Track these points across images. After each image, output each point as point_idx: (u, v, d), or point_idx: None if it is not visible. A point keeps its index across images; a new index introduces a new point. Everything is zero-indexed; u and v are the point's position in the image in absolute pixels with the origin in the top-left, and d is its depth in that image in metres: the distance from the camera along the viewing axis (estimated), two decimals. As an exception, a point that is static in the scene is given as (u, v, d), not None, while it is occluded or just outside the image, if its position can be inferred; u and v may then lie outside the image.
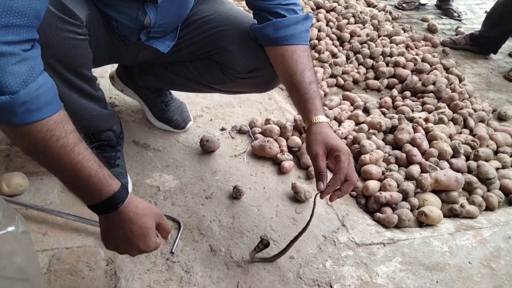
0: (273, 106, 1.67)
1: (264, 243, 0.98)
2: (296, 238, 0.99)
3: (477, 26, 2.81)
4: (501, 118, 1.92)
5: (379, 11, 2.79)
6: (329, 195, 0.90)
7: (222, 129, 1.49)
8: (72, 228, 1.06)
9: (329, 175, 0.92)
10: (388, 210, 1.26)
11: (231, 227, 1.13)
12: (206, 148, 1.35)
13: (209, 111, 1.58)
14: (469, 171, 1.49)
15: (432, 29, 2.80)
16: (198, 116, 1.54)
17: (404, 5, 3.11)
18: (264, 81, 1.14)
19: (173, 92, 1.44)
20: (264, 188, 1.27)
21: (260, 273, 1.02)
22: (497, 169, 1.50)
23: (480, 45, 2.52)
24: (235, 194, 1.21)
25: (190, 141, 1.41)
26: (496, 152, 1.63)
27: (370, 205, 1.30)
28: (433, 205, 1.27)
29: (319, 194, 0.91)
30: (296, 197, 1.23)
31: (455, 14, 3.10)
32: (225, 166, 1.33)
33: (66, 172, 0.71)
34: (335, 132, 1.49)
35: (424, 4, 3.25)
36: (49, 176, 1.18)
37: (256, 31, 1.03)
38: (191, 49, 1.13)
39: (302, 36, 1.00)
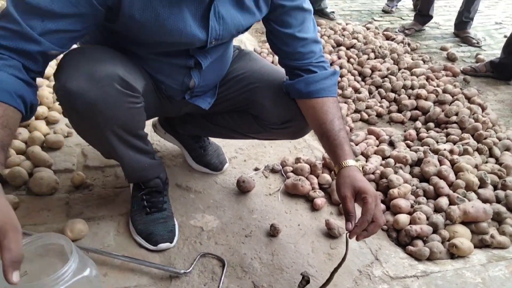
0: (302, 144, 1.77)
1: (306, 280, 1.06)
2: (333, 274, 1.06)
3: (497, 52, 2.87)
4: (527, 145, 1.95)
5: (397, 43, 2.90)
6: (356, 235, 0.98)
7: (256, 169, 1.60)
8: (128, 269, 1.17)
9: (358, 212, 1.00)
10: (419, 243, 1.32)
11: (271, 263, 1.22)
12: (242, 189, 1.46)
13: (242, 152, 1.69)
14: (498, 200, 1.53)
15: (451, 58, 2.88)
16: (233, 157, 1.65)
17: (406, 31, 3.22)
18: (296, 130, 1.25)
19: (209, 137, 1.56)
20: (299, 225, 1.36)
21: (301, 307, 1.09)
22: (526, 197, 1.53)
23: (501, 72, 2.57)
24: (272, 232, 1.30)
25: (227, 182, 1.52)
26: (524, 180, 1.66)
27: (401, 239, 1.36)
28: (463, 237, 1.32)
29: (348, 234, 0.98)
30: (330, 233, 1.31)
31: (474, 41, 3.16)
32: (261, 205, 1.43)
33: None
34: (362, 168, 1.58)
35: (423, 29, 3.32)
36: (104, 221, 1.30)
37: (288, 87, 1.15)
38: (228, 104, 1.26)
39: (331, 89, 1.11)
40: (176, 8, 0.92)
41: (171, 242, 1.23)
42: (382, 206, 1.45)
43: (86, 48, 0.96)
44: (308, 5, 1.10)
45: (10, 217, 0.68)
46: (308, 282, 1.07)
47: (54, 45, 0.83)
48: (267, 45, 2.67)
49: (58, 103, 0.96)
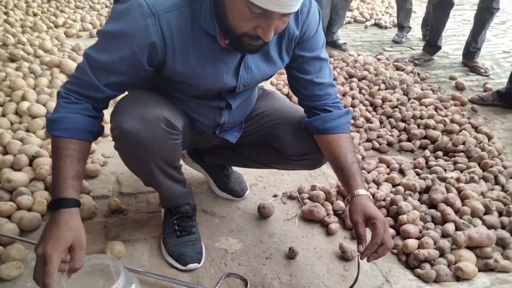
0: (317, 172, 1.90)
1: None
2: (347, 293, 1.18)
3: (505, 80, 2.96)
4: (532, 172, 2.04)
5: (407, 73, 3.04)
6: (366, 257, 1.10)
7: (275, 196, 1.73)
8: (162, 286, 1.30)
9: (369, 236, 1.12)
10: (427, 266, 1.42)
11: (290, 284, 1.34)
12: (263, 214, 1.59)
13: (262, 180, 1.83)
14: (503, 226, 1.62)
15: (460, 87, 3.00)
16: (253, 184, 1.80)
17: (416, 61, 3.36)
18: (313, 162, 1.39)
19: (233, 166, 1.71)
20: (315, 248, 1.48)
21: (318, 324, 1.21)
22: (530, 224, 1.62)
23: (508, 101, 2.67)
24: (291, 255, 1.42)
25: (249, 208, 1.66)
26: (528, 207, 1.75)
27: (410, 262, 1.46)
28: (468, 261, 1.42)
29: (359, 256, 1.10)
30: (344, 256, 1.43)
31: (482, 70, 3.28)
32: (280, 229, 1.56)
33: (52, 172, 0.99)
34: (373, 195, 1.70)
35: (432, 59, 3.46)
36: (139, 243, 1.45)
37: (307, 124, 1.30)
38: (253, 137, 1.42)
39: (345, 126, 1.26)
40: (213, 64, 1.10)
41: (199, 263, 1.36)
42: (392, 231, 1.57)
43: (137, 94, 1.14)
44: (324, 55, 1.25)
45: (80, 236, 0.95)
46: None
47: (114, 92, 1.08)
48: (283, 77, 2.85)
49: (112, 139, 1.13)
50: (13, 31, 3.23)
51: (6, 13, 3.64)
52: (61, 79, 2.36)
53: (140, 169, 1.20)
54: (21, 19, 3.59)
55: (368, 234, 1.12)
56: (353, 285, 1.16)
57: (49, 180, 1.62)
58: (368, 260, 1.10)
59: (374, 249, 1.09)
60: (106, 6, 4.22)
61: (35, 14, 3.77)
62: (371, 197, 1.18)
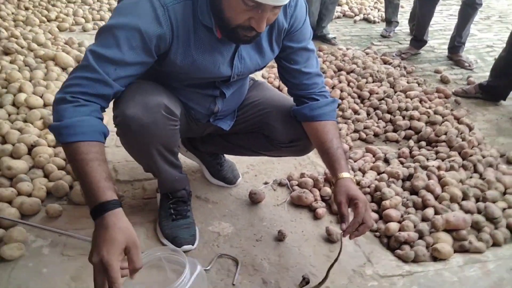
0: (306, 161, 1.99)
1: (306, 281, 1.27)
2: (329, 270, 1.26)
3: (488, 74, 3.07)
4: (510, 162, 2.15)
5: (394, 67, 3.14)
6: (349, 234, 1.19)
7: (265, 183, 1.82)
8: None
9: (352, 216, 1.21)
10: (406, 247, 1.52)
11: (278, 263, 1.42)
12: (254, 200, 1.68)
13: (253, 168, 1.92)
14: (479, 211, 1.72)
15: (444, 80, 3.10)
16: (245, 172, 1.88)
17: (403, 55, 3.45)
18: (302, 148, 1.48)
19: (225, 154, 1.79)
20: (302, 231, 1.57)
21: (304, 300, 1.30)
22: (504, 209, 1.73)
23: (489, 93, 2.78)
24: (280, 237, 1.51)
25: (240, 194, 1.74)
26: (504, 194, 1.86)
27: (391, 244, 1.56)
28: (445, 242, 1.52)
29: (342, 233, 1.19)
30: (330, 238, 1.52)
31: (466, 64, 3.38)
32: (270, 214, 1.65)
33: (81, 180, 0.95)
34: (359, 182, 1.79)
35: (419, 53, 3.57)
36: (135, 227, 1.50)
37: (295, 111, 1.38)
38: (245, 125, 1.49)
39: (331, 114, 1.34)
40: (210, 55, 1.17)
41: (193, 245, 1.44)
42: (375, 215, 1.67)
43: (139, 84, 1.19)
44: (311, 46, 1.34)
45: (132, 236, 0.92)
46: (307, 283, 1.28)
47: (121, 87, 1.09)
48: (273, 70, 2.93)
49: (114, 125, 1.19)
50: (5, 25, 3.25)
51: (-2, 7, 3.65)
52: (56, 71, 2.41)
53: (141, 153, 1.27)
54: (13, 13, 3.60)
55: (351, 215, 1.22)
56: (335, 261, 1.25)
57: (49, 169, 1.69)
58: (350, 238, 1.20)
59: (355, 227, 1.18)
60: (98, 0, 4.24)
61: (26, 8, 3.78)
62: (354, 180, 1.26)
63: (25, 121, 1.96)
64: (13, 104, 2.06)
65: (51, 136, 1.85)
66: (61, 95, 1.00)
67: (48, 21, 3.58)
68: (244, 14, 1.02)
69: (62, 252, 1.39)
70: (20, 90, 2.11)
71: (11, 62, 2.49)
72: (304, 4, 1.27)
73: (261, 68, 1.36)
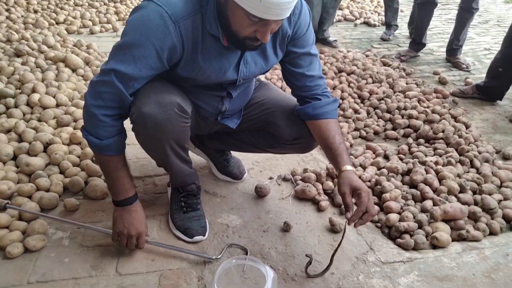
0: (309, 157, 2.07)
1: (310, 261, 1.35)
2: (333, 256, 1.34)
3: (485, 75, 3.16)
4: (505, 157, 2.23)
5: (393, 69, 3.22)
6: (353, 223, 1.26)
7: (270, 178, 1.90)
8: (171, 255, 1.45)
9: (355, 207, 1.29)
10: (407, 236, 1.59)
11: (285, 252, 1.50)
12: (260, 194, 1.75)
13: (258, 164, 2.00)
14: (476, 203, 1.80)
15: (442, 81, 3.18)
16: (251, 168, 1.96)
17: (402, 57, 3.54)
18: (305, 146, 1.56)
19: (231, 151, 1.87)
20: (307, 222, 1.64)
21: (310, 285, 1.37)
22: (500, 201, 1.81)
23: (486, 94, 2.86)
24: (285, 228, 1.59)
25: (247, 189, 1.82)
26: (500, 187, 1.94)
27: (392, 233, 1.63)
28: (443, 231, 1.59)
29: (347, 222, 1.27)
30: (333, 229, 1.60)
31: (464, 66, 3.47)
32: (275, 207, 1.72)
33: (110, 179, 1.34)
34: (360, 177, 1.87)
35: (418, 56, 3.65)
36: (148, 220, 1.59)
37: (299, 111, 1.46)
38: (250, 123, 1.57)
39: (332, 112, 1.42)
40: (217, 62, 1.26)
41: (204, 235, 1.52)
42: (377, 208, 1.74)
43: (153, 84, 1.27)
44: (314, 51, 1.42)
45: (142, 226, 1.38)
46: (311, 260, 1.35)
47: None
48: (276, 71, 3.01)
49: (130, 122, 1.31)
50: (16, 28, 3.35)
51: (7, 10, 3.75)
52: (67, 72, 2.50)
53: (155, 148, 1.35)
54: (22, 16, 3.70)
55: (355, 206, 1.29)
56: (338, 246, 1.32)
57: (65, 165, 1.77)
58: (355, 226, 1.27)
59: (359, 215, 1.25)
60: (104, 4, 4.34)
61: (35, 11, 3.89)
62: (356, 173, 1.34)
63: (39, 120, 2.05)
64: (27, 104, 2.14)
65: (65, 135, 1.93)
66: (93, 111, 1.20)
67: (57, 23, 3.69)
68: (250, 28, 1.11)
69: (81, 243, 1.47)
70: (33, 90, 2.19)
71: (23, 63, 2.58)
72: (308, 11, 1.35)
73: (266, 72, 1.45)
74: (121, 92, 1.19)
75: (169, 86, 1.30)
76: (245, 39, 1.15)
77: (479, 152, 2.13)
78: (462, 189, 1.84)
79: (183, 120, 1.29)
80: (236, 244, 1.51)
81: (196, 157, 1.95)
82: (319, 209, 1.71)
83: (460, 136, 2.23)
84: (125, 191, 1.34)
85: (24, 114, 2.09)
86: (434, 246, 1.56)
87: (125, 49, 1.15)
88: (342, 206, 1.70)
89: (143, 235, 1.38)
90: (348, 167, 1.33)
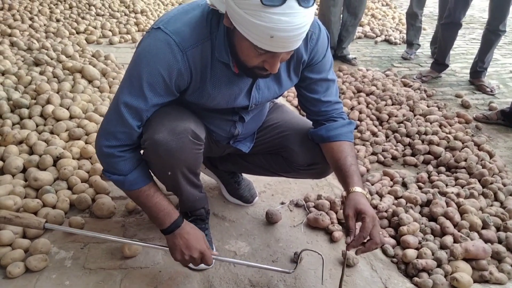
0: (323, 182, 1.99)
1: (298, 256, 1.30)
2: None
3: (511, 100, 3.04)
4: (532, 191, 2.11)
5: (414, 90, 3.13)
6: (355, 249, 1.17)
7: (282, 203, 1.83)
8: (175, 284, 1.40)
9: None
10: (424, 275, 1.50)
11: (294, 286, 1.42)
12: (270, 220, 1.69)
13: (270, 188, 1.93)
14: (500, 241, 1.69)
15: (465, 105, 3.07)
16: (262, 191, 1.89)
17: (423, 78, 3.44)
18: (320, 172, 1.49)
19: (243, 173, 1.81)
20: (319, 254, 1.56)
21: (319, 324, 1.29)
22: (526, 240, 1.70)
23: (511, 120, 2.74)
24: (296, 259, 1.51)
25: (257, 213, 1.76)
26: (526, 224, 1.82)
27: (409, 270, 1.54)
28: (464, 272, 1.49)
29: (347, 247, 1.18)
30: (346, 263, 1.51)
31: (488, 89, 3.35)
32: (286, 235, 1.65)
33: (148, 209, 1.27)
34: (376, 206, 1.79)
35: (440, 77, 3.55)
36: (154, 241, 1.55)
37: (313, 133, 1.40)
38: (263, 147, 1.52)
39: (347, 135, 1.36)
40: (227, 88, 1.21)
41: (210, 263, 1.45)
42: (393, 241, 1.65)
43: (167, 110, 1.23)
44: (331, 76, 1.35)
45: (200, 244, 1.28)
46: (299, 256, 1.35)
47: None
48: (292, 89, 2.95)
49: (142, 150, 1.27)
50: (37, 36, 3.39)
51: (31, 19, 3.81)
52: (83, 84, 2.49)
53: (166, 175, 1.29)
54: (45, 25, 3.75)
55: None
56: (341, 277, 1.25)
57: (73, 181, 1.75)
58: (356, 253, 1.19)
59: (360, 241, 1.17)
60: (125, 14, 4.38)
61: (57, 20, 3.95)
62: (367, 196, 1.25)
63: (51, 132, 2.03)
64: (41, 115, 2.14)
65: (75, 149, 1.91)
66: (109, 150, 1.18)
67: (77, 33, 3.72)
68: (257, 59, 1.06)
69: (83, 265, 1.43)
70: (48, 101, 2.19)
71: (41, 73, 2.59)
72: (326, 36, 1.28)
73: (279, 96, 1.39)
74: (134, 129, 1.18)
75: (183, 112, 1.26)
76: (254, 69, 1.10)
77: (504, 185, 2.02)
78: (485, 225, 1.73)
79: (196, 147, 1.25)
80: (310, 249, 1.41)
81: (206, 178, 1.90)
82: (332, 239, 1.63)
83: (483, 166, 2.12)
84: (167, 215, 1.24)
85: (37, 126, 2.08)
86: (453, 287, 1.46)
87: (135, 81, 1.12)
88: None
89: (207, 252, 1.27)
90: (358, 189, 1.25)
